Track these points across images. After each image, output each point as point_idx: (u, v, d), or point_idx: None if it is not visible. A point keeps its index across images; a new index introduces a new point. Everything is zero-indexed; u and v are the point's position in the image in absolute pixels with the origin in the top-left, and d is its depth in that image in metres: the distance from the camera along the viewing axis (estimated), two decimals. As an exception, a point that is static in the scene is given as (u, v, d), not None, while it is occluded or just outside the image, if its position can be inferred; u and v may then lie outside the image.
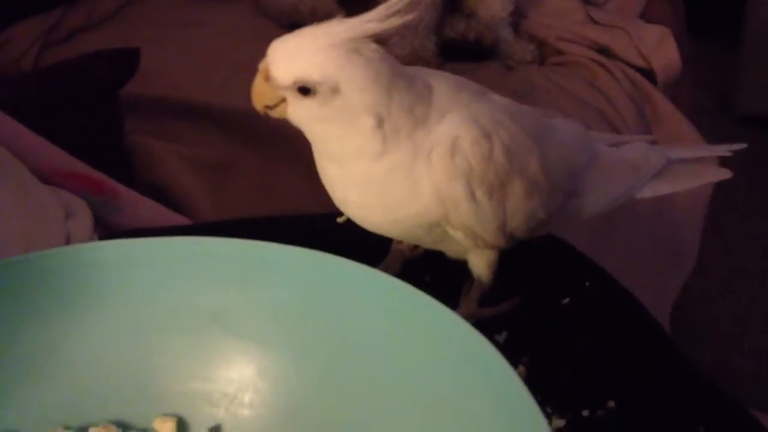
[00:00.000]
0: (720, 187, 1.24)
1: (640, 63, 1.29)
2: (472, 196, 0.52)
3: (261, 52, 0.50)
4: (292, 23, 1.26)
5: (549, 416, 0.49)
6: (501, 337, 0.56)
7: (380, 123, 0.50)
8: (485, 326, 0.43)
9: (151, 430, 0.50)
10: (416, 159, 0.51)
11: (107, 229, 0.78)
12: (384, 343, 0.48)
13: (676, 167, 0.61)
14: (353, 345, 0.49)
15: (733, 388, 0.56)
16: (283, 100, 0.50)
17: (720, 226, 1.43)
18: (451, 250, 0.57)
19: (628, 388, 0.55)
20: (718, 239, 1.50)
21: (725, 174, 0.62)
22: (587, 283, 0.60)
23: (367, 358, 0.48)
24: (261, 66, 0.50)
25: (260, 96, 0.50)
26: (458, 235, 0.53)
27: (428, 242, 0.56)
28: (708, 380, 0.57)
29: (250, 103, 0.51)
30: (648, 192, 0.60)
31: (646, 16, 1.39)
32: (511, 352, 0.43)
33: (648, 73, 1.29)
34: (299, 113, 0.50)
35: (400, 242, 0.60)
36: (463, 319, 0.45)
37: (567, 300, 0.59)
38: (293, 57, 0.49)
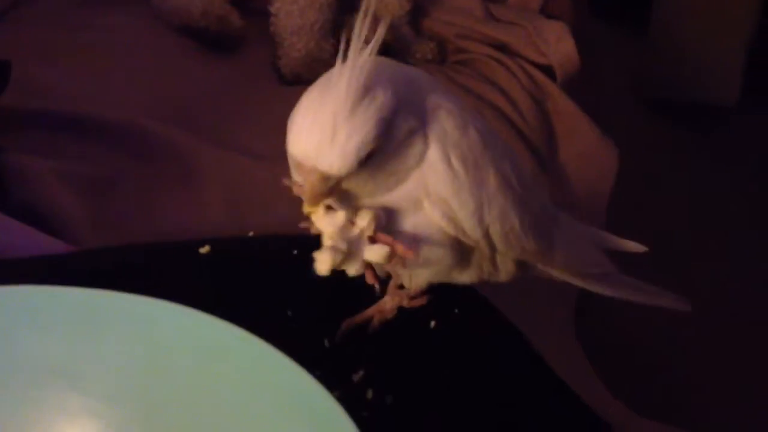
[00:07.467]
0: (624, 173, 1.23)
1: (540, 60, 1.28)
2: (448, 159, 0.50)
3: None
4: (183, 24, 1.21)
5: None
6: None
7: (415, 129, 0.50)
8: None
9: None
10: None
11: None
12: (238, 399, 0.46)
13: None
14: (209, 403, 0.47)
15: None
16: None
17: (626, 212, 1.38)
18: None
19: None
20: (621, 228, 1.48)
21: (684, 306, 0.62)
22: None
23: (221, 418, 0.46)
24: (305, 171, 0.47)
25: (317, 197, 0.48)
26: (436, 215, 0.51)
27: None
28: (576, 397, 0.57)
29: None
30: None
31: (547, 9, 1.38)
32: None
33: (548, 69, 1.28)
34: (356, 181, 0.49)
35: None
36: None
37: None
38: (338, 144, 0.47)
